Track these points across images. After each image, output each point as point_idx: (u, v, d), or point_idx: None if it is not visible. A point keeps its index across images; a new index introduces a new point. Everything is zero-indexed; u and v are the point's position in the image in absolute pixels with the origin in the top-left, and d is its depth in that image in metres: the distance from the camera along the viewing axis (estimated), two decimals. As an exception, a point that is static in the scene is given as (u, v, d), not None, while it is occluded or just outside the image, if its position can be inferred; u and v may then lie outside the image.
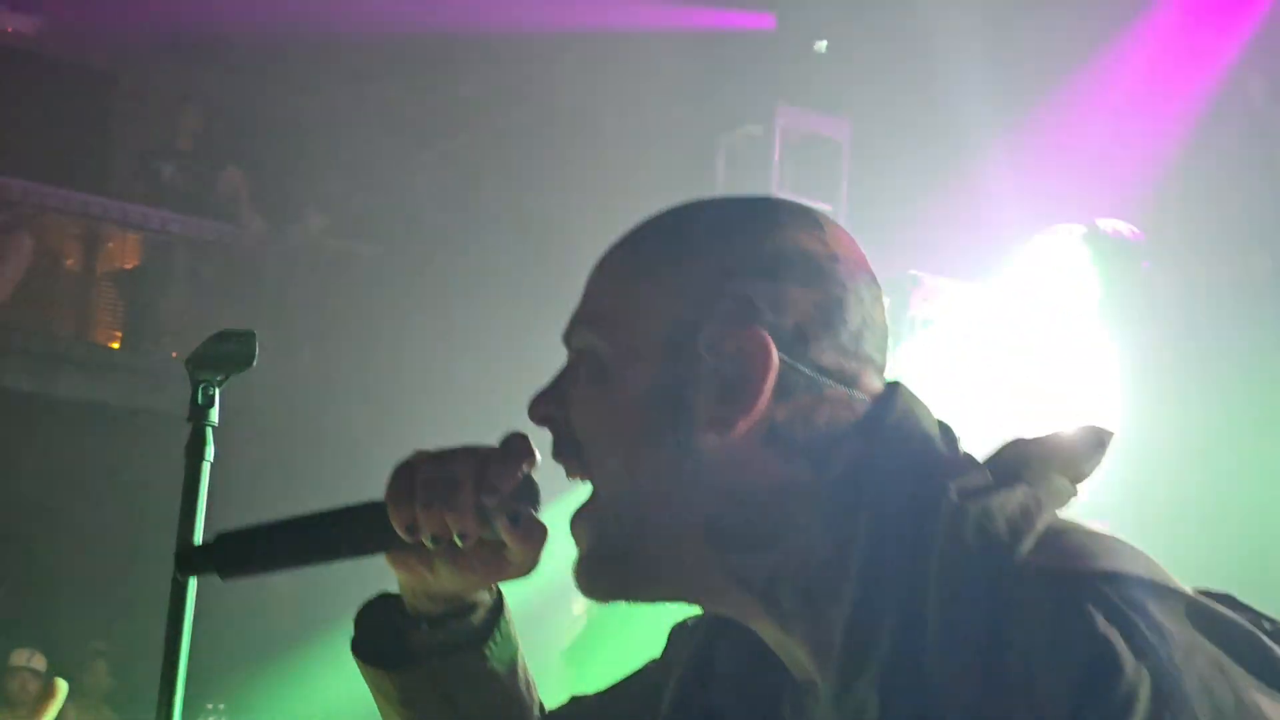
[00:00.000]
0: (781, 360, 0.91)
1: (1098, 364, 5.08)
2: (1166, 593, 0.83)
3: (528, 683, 1.10)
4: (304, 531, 1.02)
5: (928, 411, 0.94)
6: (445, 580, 1.02)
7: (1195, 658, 0.81)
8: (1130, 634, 0.80)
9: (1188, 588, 0.86)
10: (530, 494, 0.98)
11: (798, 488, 0.91)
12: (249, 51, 6.43)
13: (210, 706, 6.07)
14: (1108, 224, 5.06)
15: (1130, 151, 5.46)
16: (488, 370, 5.75)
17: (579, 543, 0.95)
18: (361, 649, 1.08)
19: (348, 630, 1.09)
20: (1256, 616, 0.89)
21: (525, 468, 0.98)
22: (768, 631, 0.94)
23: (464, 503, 0.96)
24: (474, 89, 5.98)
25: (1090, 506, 0.94)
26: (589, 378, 0.95)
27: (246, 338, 1.58)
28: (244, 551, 1.02)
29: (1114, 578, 0.83)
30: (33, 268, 6.88)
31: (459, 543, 0.97)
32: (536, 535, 0.98)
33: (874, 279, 0.98)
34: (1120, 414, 5.36)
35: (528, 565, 1.00)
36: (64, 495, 6.64)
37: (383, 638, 1.07)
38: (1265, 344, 5.50)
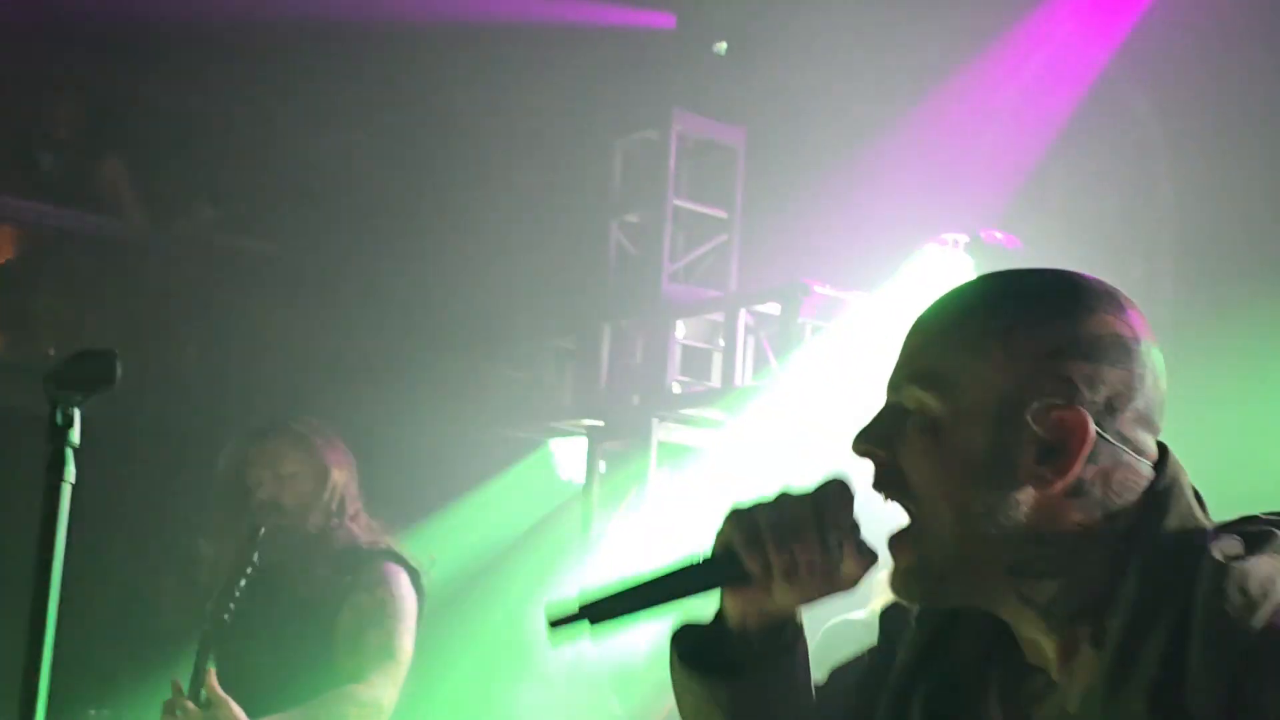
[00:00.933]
0: (1098, 433, 1.15)
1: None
2: None
3: (811, 679, 1.32)
4: (659, 589, 1.24)
5: (1186, 477, 1.19)
6: (782, 601, 1.23)
7: None
8: None
9: None
10: (857, 524, 1.22)
11: (1090, 535, 1.15)
12: (131, 36, 6.25)
13: (93, 713, 5.98)
14: (988, 233, 5.22)
15: (1011, 161, 5.62)
16: (382, 366, 5.73)
17: (897, 559, 1.20)
18: (699, 664, 1.27)
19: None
20: None
21: (851, 505, 1.21)
22: (1029, 631, 1.19)
23: (811, 539, 1.19)
24: (367, 82, 5.90)
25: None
26: (921, 429, 1.18)
27: (106, 358, 1.59)
28: (628, 604, 1.24)
29: None
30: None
31: (803, 571, 1.20)
32: (869, 557, 1.21)
33: (1159, 353, 1.19)
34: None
35: (855, 580, 1.23)
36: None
37: (706, 656, 1.26)
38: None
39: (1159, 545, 1.14)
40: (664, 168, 5.45)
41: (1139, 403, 1.17)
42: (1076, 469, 1.15)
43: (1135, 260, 5.70)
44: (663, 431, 5.47)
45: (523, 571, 5.83)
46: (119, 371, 1.56)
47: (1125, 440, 1.17)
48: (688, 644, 1.29)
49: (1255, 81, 5.57)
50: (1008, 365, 1.16)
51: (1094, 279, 1.23)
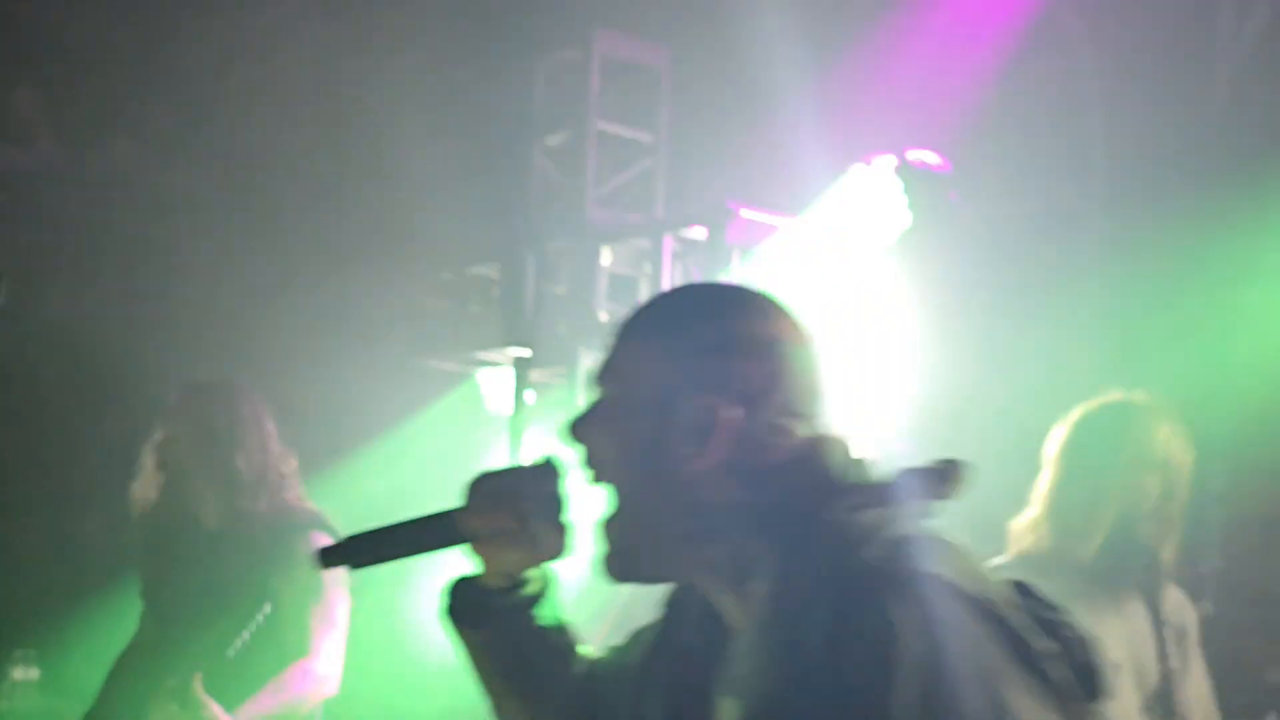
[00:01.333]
0: (739, 417, 1.36)
1: (906, 296, 5.18)
2: (956, 591, 1.21)
3: (572, 637, 1.56)
4: (413, 533, 1.46)
5: (843, 452, 1.37)
6: (501, 562, 1.48)
7: (958, 638, 1.18)
8: (912, 617, 1.18)
9: (983, 587, 1.24)
10: (561, 504, 1.43)
11: (746, 505, 1.35)
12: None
13: (19, 653, 5.87)
14: (916, 156, 5.14)
15: (942, 84, 5.53)
16: (307, 302, 5.61)
17: (601, 543, 1.40)
18: (453, 615, 1.53)
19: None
20: (1037, 604, 1.26)
21: (554, 484, 1.43)
22: (716, 595, 1.40)
23: (507, 510, 1.43)
24: (284, 6, 5.75)
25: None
26: (608, 417, 1.40)
27: None
28: (368, 548, 1.46)
29: (918, 577, 1.22)
30: None
31: (508, 535, 1.43)
32: (562, 531, 1.44)
33: (811, 350, 1.41)
34: (926, 343, 5.49)
35: (557, 551, 1.46)
36: None
37: (465, 607, 1.52)
38: (1070, 272, 5.68)
39: (794, 512, 1.33)
40: (586, 89, 5.33)
41: (782, 394, 1.38)
42: (725, 449, 1.36)
43: (1067, 185, 5.65)
44: (590, 360, 5.37)
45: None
46: (4, 293, 1.48)
47: (770, 425, 1.37)
48: (458, 594, 1.54)
49: (1185, 7, 5.52)
50: (670, 362, 1.39)
51: (759, 292, 1.46)
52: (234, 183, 5.99)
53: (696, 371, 1.38)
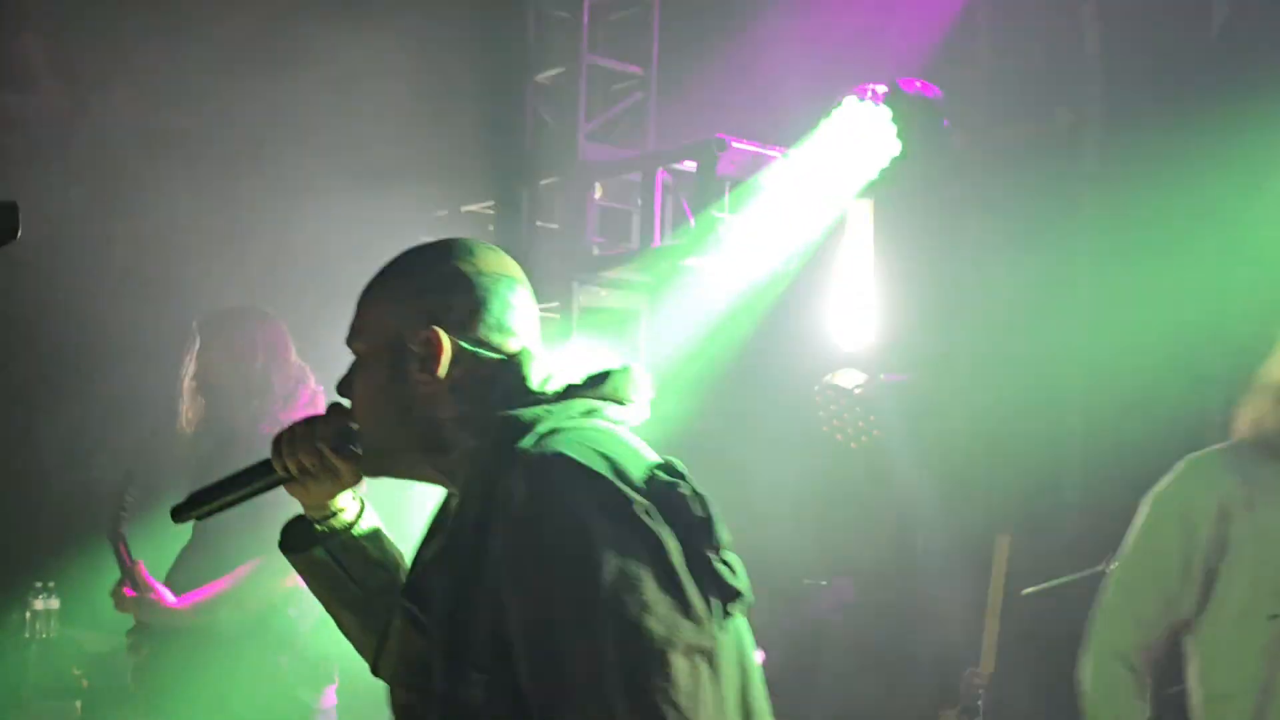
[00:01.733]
0: (452, 342, 1.65)
1: (894, 224, 5.17)
2: (575, 467, 1.50)
3: (390, 552, 1.84)
4: (239, 482, 1.79)
5: (538, 365, 1.66)
6: (313, 494, 1.77)
7: (559, 503, 1.49)
8: (526, 487, 1.50)
9: (610, 465, 1.52)
10: (349, 437, 1.71)
11: (465, 417, 1.63)
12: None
13: (39, 585, 6.03)
14: (908, 83, 5.10)
15: (934, 12, 5.48)
16: (316, 244, 5.65)
17: (357, 449, 1.71)
18: (283, 545, 1.84)
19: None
20: (669, 481, 1.53)
21: (342, 422, 1.71)
22: (449, 489, 1.71)
23: (306, 448, 1.72)
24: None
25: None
26: (359, 368, 1.70)
27: (9, 210, 1.60)
28: (207, 499, 1.79)
29: (543, 457, 1.52)
30: None
31: (311, 471, 1.72)
32: (353, 459, 1.71)
33: (514, 280, 1.72)
34: (919, 272, 5.48)
35: (352, 480, 1.76)
36: None
37: (291, 537, 1.83)
38: (1064, 197, 5.63)
39: (490, 420, 1.60)
40: (577, 23, 5.32)
41: (489, 318, 1.67)
42: (442, 370, 1.65)
43: (1062, 110, 5.58)
44: (583, 295, 5.41)
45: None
46: (20, 223, 1.56)
47: (481, 344, 1.66)
48: (288, 528, 1.84)
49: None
50: (392, 309, 1.69)
51: (464, 240, 1.75)
52: (235, 127, 6.04)
53: (415, 312, 1.67)
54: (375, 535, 1.85)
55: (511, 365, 1.66)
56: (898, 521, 5.60)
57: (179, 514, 1.82)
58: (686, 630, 1.44)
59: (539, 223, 5.54)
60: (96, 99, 6.32)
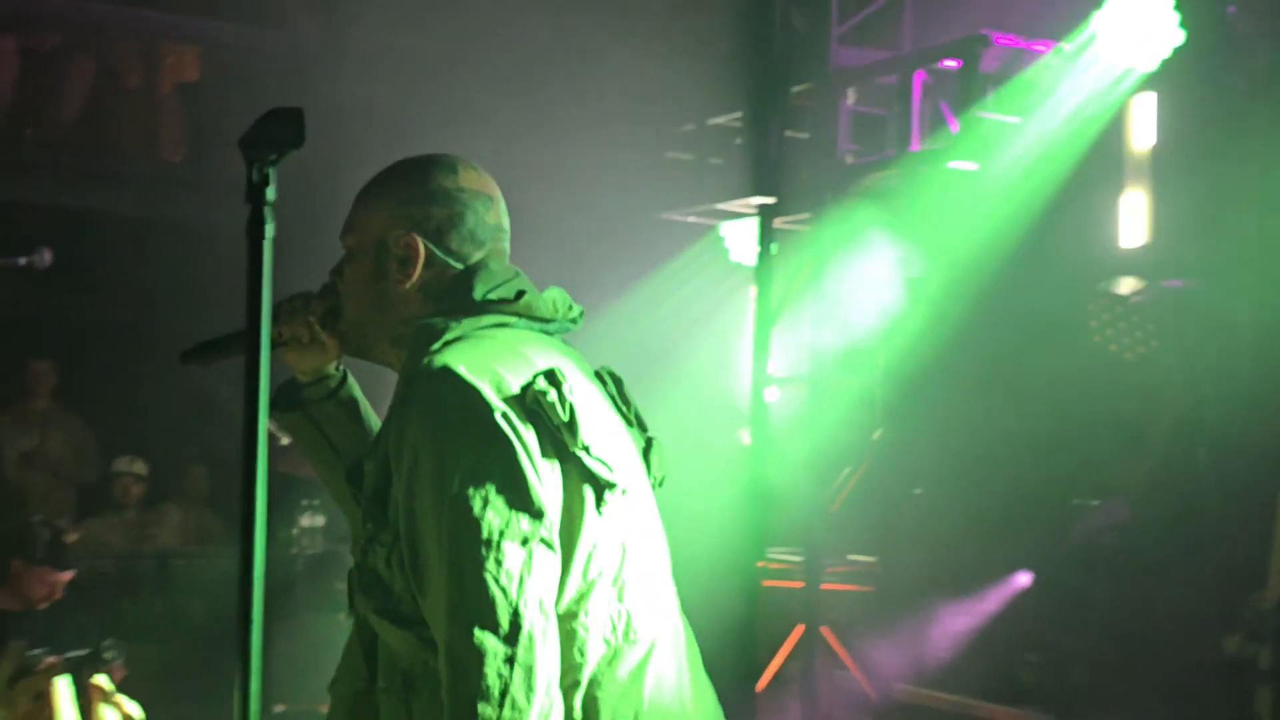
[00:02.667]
0: (426, 248, 1.84)
1: (1175, 118, 4.83)
2: (448, 375, 1.71)
3: (366, 423, 2.03)
4: (237, 340, 1.87)
5: (485, 276, 1.83)
6: (308, 361, 1.98)
7: (435, 403, 1.71)
8: (416, 385, 1.73)
9: (487, 375, 1.72)
10: (336, 315, 1.92)
11: (425, 315, 1.83)
12: None
13: (305, 503, 6.26)
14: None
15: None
16: (545, 156, 5.64)
17: (339, 326, 1.93)
18: (274, 405, 2.00)
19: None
20: (542, 390, 1.73)
21: (332, 301, 1.91)
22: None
23: (299, 320, 1.93)
24: None
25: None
26: (348, 260, 1.89)
27: (294, 116, 1.62)
28: (213, 351, 1.97)
29: (430, 367, 1.73)
30: (96, 88, 6.89)
31: (301, 340, 1.94)
32: (333, 329, 1.93)
33: (490, 198, 1.89)
34: (1202, 169, 5.10)
35: (336, 354, 1.97)
36: (141, 311, 6.78)
37: (282, 398, 2.03)
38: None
39: (429, 330, 1.81)
40: (828, -78, 5.13)
41: (462, 229, 1.85)
42: (417, 271, 1.84)
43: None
44: (836, 206, 5.24)
45: (696, 361, 5.75)
46: (305, 130, 1.57)
47: (451, 253, 1.85)
48: (280, 390, 2.02)
49: None
50: (379, 212, 1.86)
51: (451, 157, 1.91)
52: (471, 46, 6.05)
53: (399, 218, 1.86)
54: (353, 405, 2.03)
55: (464, 275, 1.84)
56: (1173, 439, 5.27)
57: (187, 358, 2.00)
58: (523, 521, 1.67)
59: (788, 133, 5.39)
60: (347, 28, 6.47)
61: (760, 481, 5.29)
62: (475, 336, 1.79)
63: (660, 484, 1.92)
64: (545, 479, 1.69)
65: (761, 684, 5.19)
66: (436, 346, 1.77)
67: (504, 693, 1.64)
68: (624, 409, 1.91)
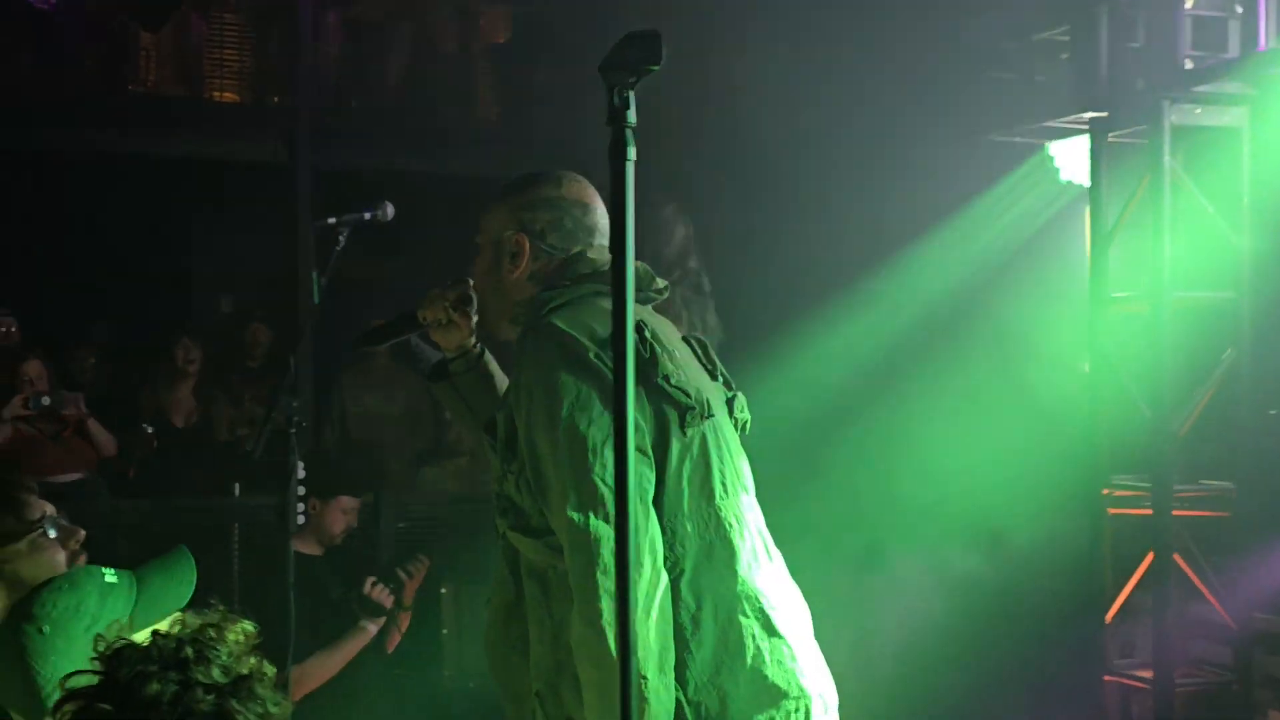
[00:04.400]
0: (532, 245, 2.35)
1: None
2: (553, 328, 2.22)
3: (500, 387, 2.48)
4: (398, 326, 2.58)
5: (583, 262, 2.32)
6: (450, 339, 2.49)
7: (544, 349, 2.22)
8: (530, 340, 2.27)
9: (582, 330, 2.21)
10: (467, 301, 2.44)
11: (534, 297, 2.32)
12: None
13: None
14: None
15: None
16: (868, 80, 5.52)
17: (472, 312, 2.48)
18: (428, 377, 2.58)
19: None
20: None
21: (463, 290, 2.46)
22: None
23: (437, 306, 2.46)
24: None
25: None
26: (478, 253, 2.41)
27: (652, 39, 1.66)
28: (378, 336, 2.64)
29: (539, 324, 2.26)
30: (414, 55, 7.22)
31: (441, 322, 2.47)
32: (471, 309, 2.45)
33: (587, 205, 2.37)
34: None
35: (469, 333, 2.48)
36: (466, 266, 7.04)
37: (434, 371, 2.57)
38: None
39: (538, 303, 2.30)
40: None
41: (562, 230, 2.35)
42: (525, 265, 2.35)
43: None
44: (1176, 114, 4.98)
45: (1028, 285, 5.59)
46: (664, 52, 1.62)
47: (553, 248, 2.34)
48: (435, 367, 2.57)
49: None
50: (496, 216, 2.38)
51: (559, 172, 2.39)
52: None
53: (511, 221, 2.35)
54: (489, 376, 2.50)
55: (566, 261, 2.32)
56: None
57: (356, 344, 2.62)
58: (598, 439, 2.11)
59: (1120, 43, 5.15)
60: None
61: (1102, 407, 5.10)
62: (574, 303, 2.23)
63: (744, 429, 2.32)
64: (640, 400, 2.12)
65: (1110, 614, 5.02)
66: (544, 313, 2.22)
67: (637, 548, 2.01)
68: (709, 366, 2.33)
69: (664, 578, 2.08)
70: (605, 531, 2.02)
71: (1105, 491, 5.08)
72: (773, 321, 5.16)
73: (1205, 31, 5.05)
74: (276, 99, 7.33)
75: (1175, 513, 4.87)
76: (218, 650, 1.49)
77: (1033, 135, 5.54)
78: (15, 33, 7.03)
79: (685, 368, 2.21)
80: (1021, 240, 5.61)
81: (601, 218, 2.34)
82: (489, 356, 2.51)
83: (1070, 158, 5.48)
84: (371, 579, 4.44)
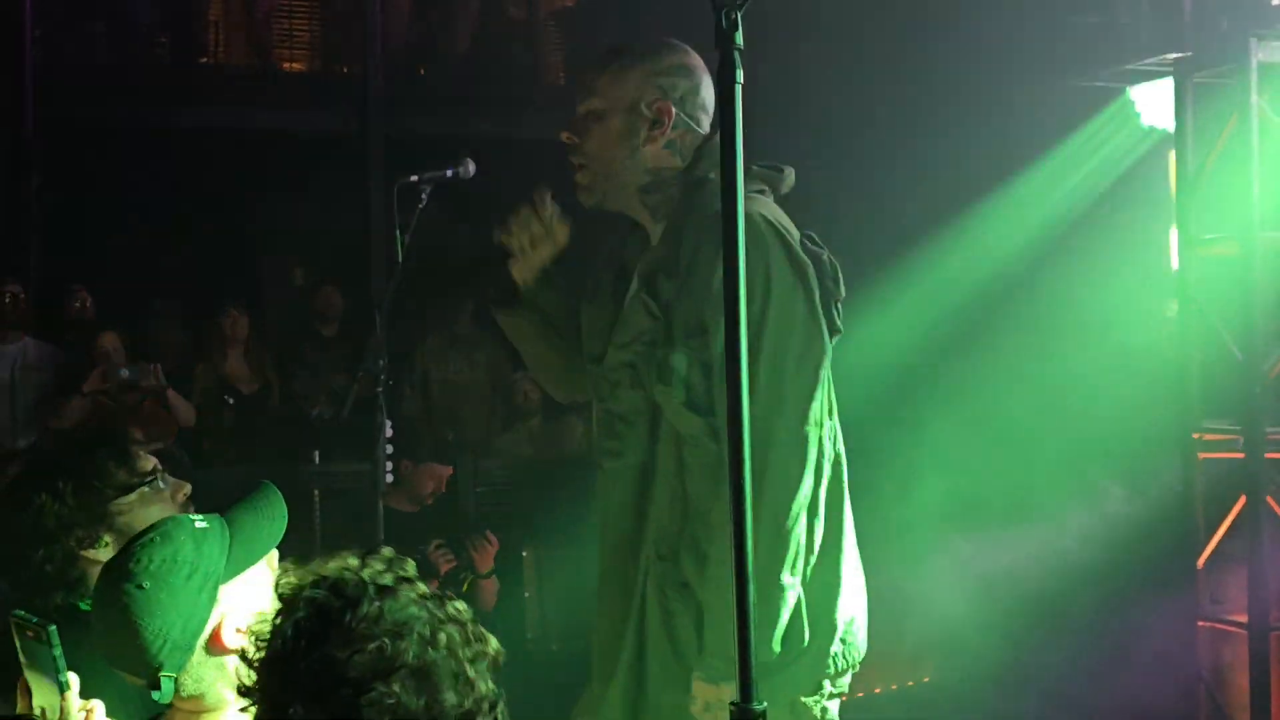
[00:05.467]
0: (675, 113, 2.28)
1: None
2: (763, 220, 2.22)
3: (570, 294, 2.49)
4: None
5: (716, 140, 2.08)
6: (536, 259, 2.44)
7: (756, 240, 2.16)
8: (757, 222, 2.21)
9: (780, 220, 2.26)
10: (558, 214, 2.41)
11: (676, 169, 2.31)
12: None
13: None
14: None
15: None
16: (954, 29, 5.45)
17: (580, 180, 2.36)
18: (496, 305, 2.53)
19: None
20: (814, 246, 2.28)
21: (549, 201, 2.41)
22: (645, 221, 2.40)
23: (524, 228, 2.41)
24: None
25: None
26: (593, 120, 2.32)
27: None
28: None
29: (759, 212, 2.21)
30: (482, 20, 7.23)
31: (535, 240, 2.43)
32: (566, 223, 2.42)
33: (710, 75, 2.25)
34: None
35: (561, 241, 2.42)
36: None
37: (503, 299, 2.52)
38: None
39: (693, 176, 2.30)
40: None
41: (699, 100, 2.30)
42: (668, 132, 2.29)
43: None
44: (1263, 52, 4.90)
45: (1113, 230, 5.53)
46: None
47: (692, 119, 2.30)
48: (500, 295, 2.52)
49: None
50: (628, 81, 2.29)
51: (676, 42, 2.32)
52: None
53: (651, 87, 2.28)
54: (561, 286, 2.48)
55: (712, 139, 2.26)
56: None
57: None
58: (817, 348, 2.21)
59: (1202, -21, 5.08)
60: None
61: (1191, 350, 5.04)
62: (755, 200, 2.21)
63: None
64: (822, 320, 2.20)
65: (1202, 559, 4.97)
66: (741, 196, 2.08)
67: (819, 459, 2.18)
68: None
69: (817, 483, 2.18)
70: (813, 434, 2.15)
71: (1196, 436, 5.02)
72: (860, 268, 5.14)
73: (1287, -31, 4.97)
74: (345, 68, 7.36)
75: (1269, 455, 4.80)
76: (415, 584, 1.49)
77: (1115, 79, 5.48)
78: (85, 6, 7.11)
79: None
80: (1105, 186, 5.55)
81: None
82: (554, 276, 2.48)
83: (1152, 102, 5.41)
84: (436, 541, 4.56)
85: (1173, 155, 5.23)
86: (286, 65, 7.36)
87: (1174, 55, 5.14)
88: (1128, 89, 5.50)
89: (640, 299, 2.27)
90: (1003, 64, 5.36)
